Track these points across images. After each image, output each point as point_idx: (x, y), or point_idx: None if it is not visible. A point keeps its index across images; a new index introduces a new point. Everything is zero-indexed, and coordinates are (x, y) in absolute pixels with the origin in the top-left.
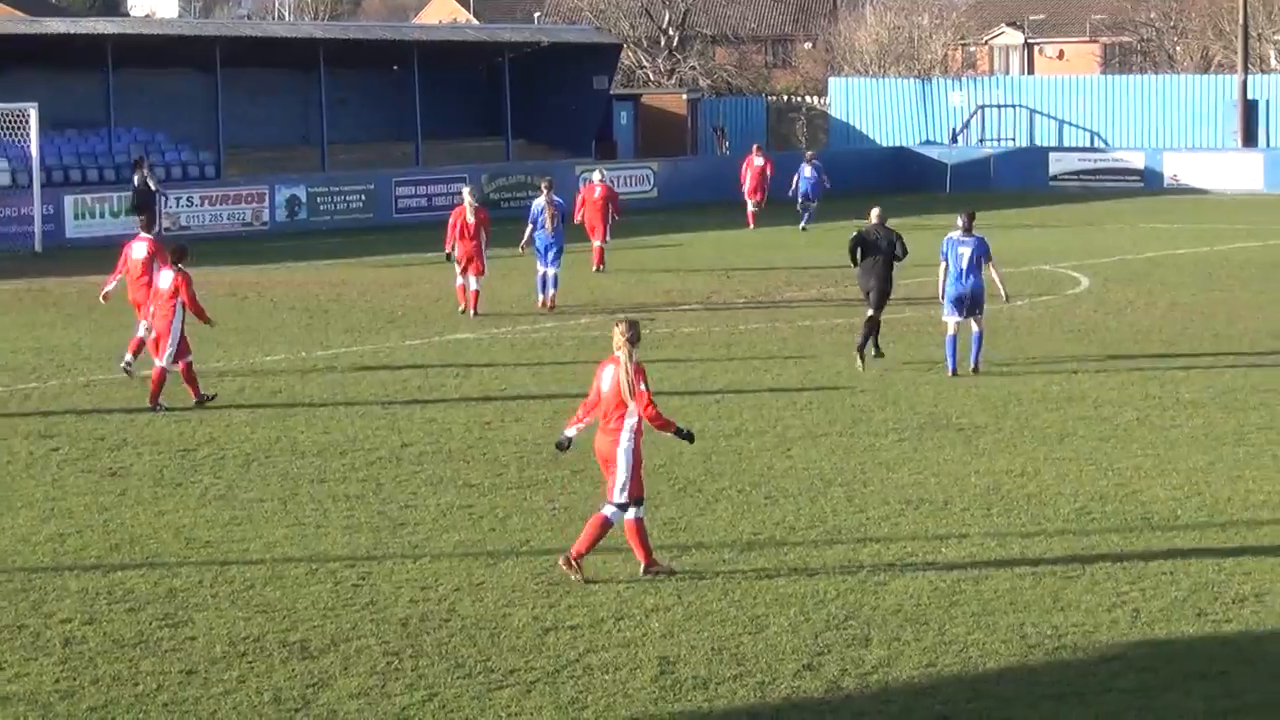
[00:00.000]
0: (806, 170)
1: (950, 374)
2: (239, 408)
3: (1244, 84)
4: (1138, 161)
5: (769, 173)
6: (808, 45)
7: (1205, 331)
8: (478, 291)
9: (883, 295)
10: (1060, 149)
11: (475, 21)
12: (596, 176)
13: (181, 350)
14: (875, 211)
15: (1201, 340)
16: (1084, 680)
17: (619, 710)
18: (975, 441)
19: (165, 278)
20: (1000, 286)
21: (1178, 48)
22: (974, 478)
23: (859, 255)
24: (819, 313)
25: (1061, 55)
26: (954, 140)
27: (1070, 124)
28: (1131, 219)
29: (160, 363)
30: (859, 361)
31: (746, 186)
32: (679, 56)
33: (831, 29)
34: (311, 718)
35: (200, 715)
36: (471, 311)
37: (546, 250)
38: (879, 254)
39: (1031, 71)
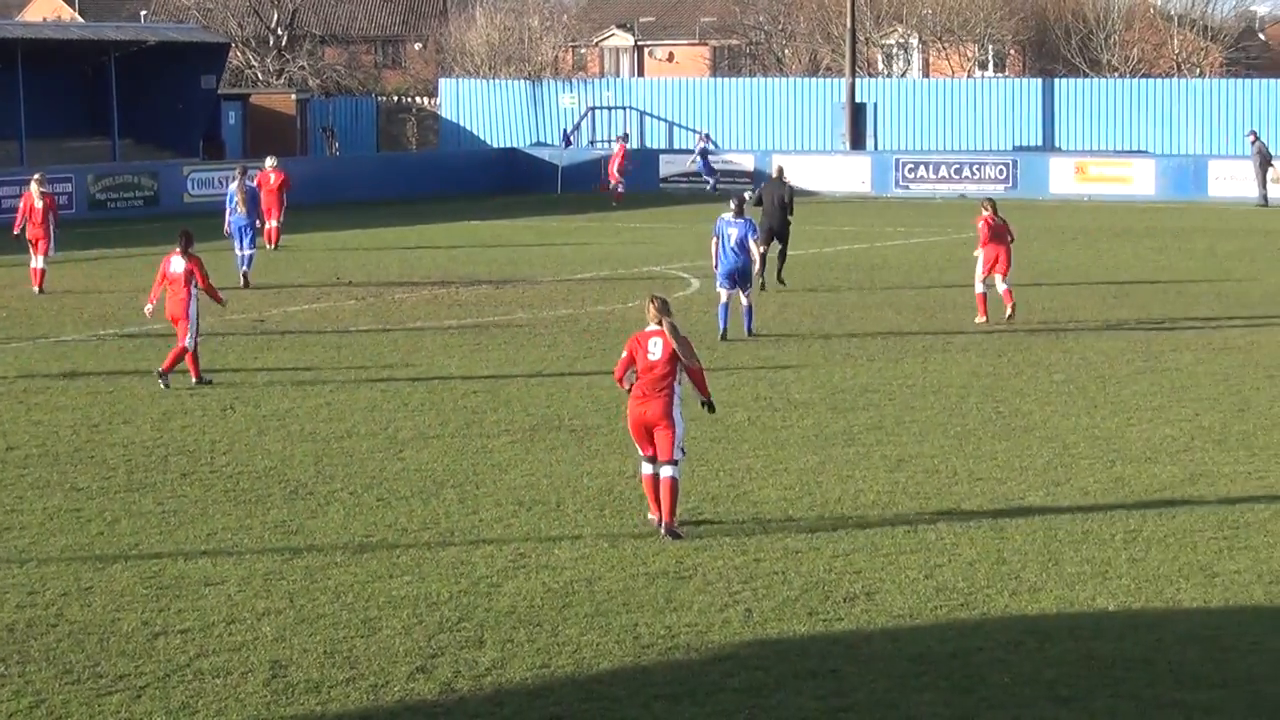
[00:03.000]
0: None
1: (721, 337)
2: None
3: (851, 87)
4: (747, 163)
5: None
6: (418, 46)
7: (814, 333)
8: (44, 270)
9: (777, 235)
10: (671, 151)
11: (80, 19)
12: (270, 163)
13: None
14: (777, 167)
15: (810, 342)
16: (697, 680)
17: (231, 715)
18: (587, 443)
19: (177, 263)
20: (757, 261)
21: (786, 51)
22: (587, 479)
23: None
24: (430, 314)
25: (671, 58)
26: (565, 142)
27: (681, 126)
28: None
29: (185, 345)
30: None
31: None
32: (288, 56)
33: (442, 30)
34: None
35: None
36: (37, 288)
37: (240, 232)
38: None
39: (642, 74)
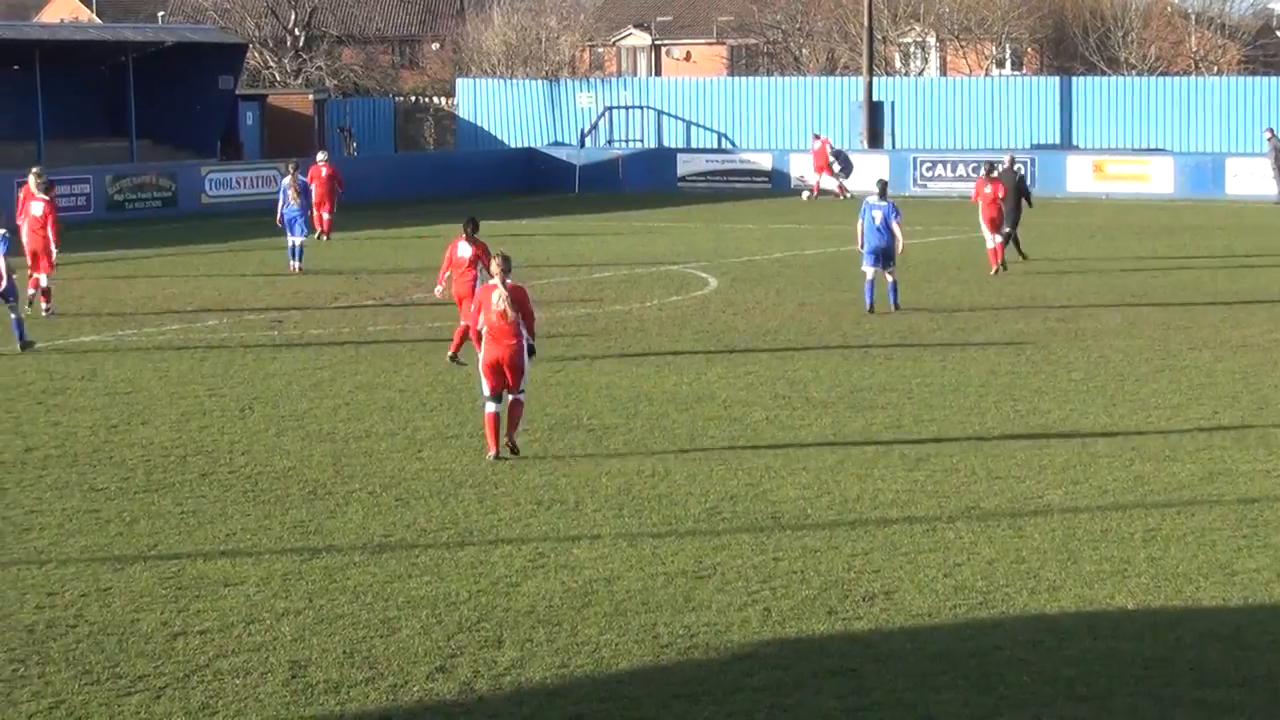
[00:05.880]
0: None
1: (867, 310)
2: None
3: (869, 86)
4: (765, 163)
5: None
6: (435, 46)
7: (833, 332)
8: (49, 288)
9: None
10: (688, 150)
11: (98, 20)
12: (320, 158)
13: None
14: (1009, 156)
15: (829, 341)
16: (716, 679)
17: (250, 715)
18: (606, 442)
19: (464, 248)
20: (900, 241)
21: (804, 50)
22: (605, 478)
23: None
24: (448, 314)
25: (689, 57)
26: (583, 142)
27: (698, 125)
28: (759, 220)
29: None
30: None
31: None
32: (305, 56)
33: (459, 30)
34: None
35: None
36: (45, 307)
37: (292, 222)
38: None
39: (659, 73)
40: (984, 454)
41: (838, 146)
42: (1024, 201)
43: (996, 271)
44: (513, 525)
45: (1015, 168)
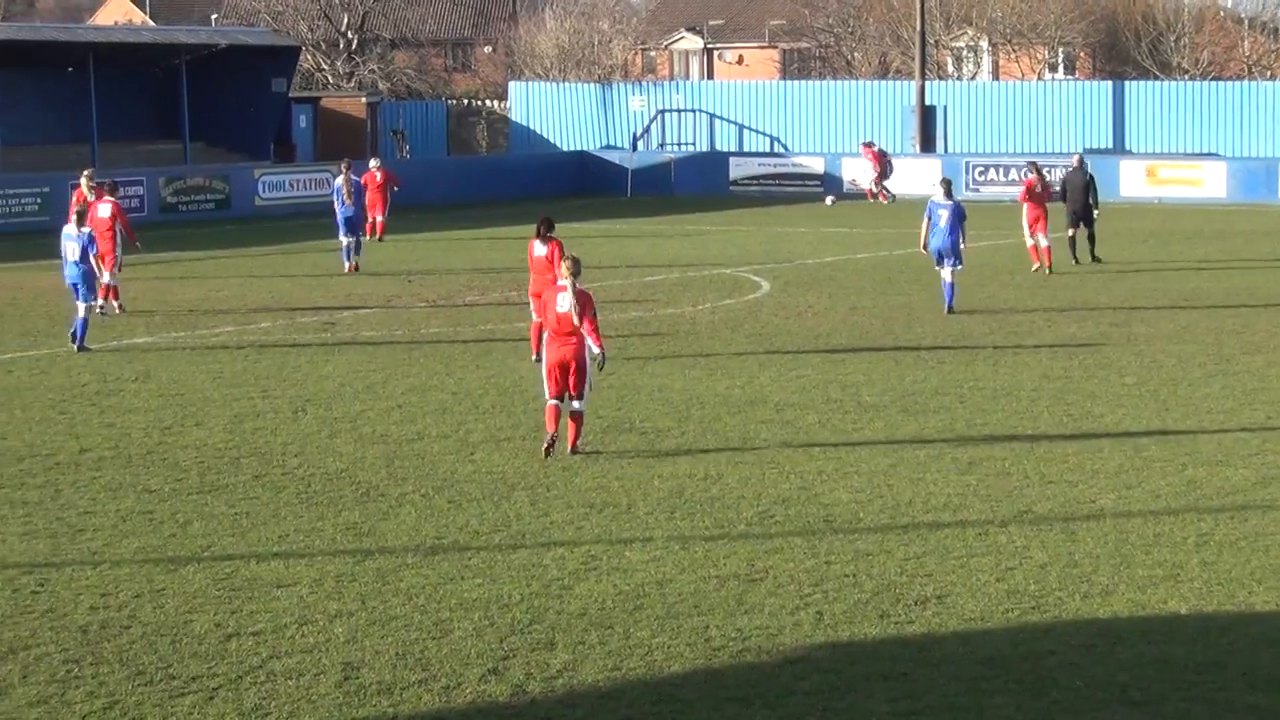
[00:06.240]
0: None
1: (947, 311)
2: None
3: (921, 90)
4: (817, 166)
5: None
6: (488, 49)
7: (885, 335)
8: (115, 286)
9: (1082, 219)
10: (740, 154)
11: (151, 23)
12: (374, 164)
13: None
14: (1078, 157)
15: (881, 344)
16: (768, 683)
17: (303, 716)
18: (658, 445)
19: (540, 247)
20: (963, 241)
21: (856, 54)
22: (657, 481)
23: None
24: (500, 316)
25: (741, 60)
26: (635, 145)
27: (750, 129)
28: (811, 223)
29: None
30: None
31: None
32: (358, 59)
33: (511, 33)
34: None
35: None
36: (115, 304)
37: (346, 222)
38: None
39: (711, 76)
40: (1036, 458)
41: (881, 150)
42: (1091, 203)
43: (1038, 270)
44: (565, 528)
45: (1085, 168)
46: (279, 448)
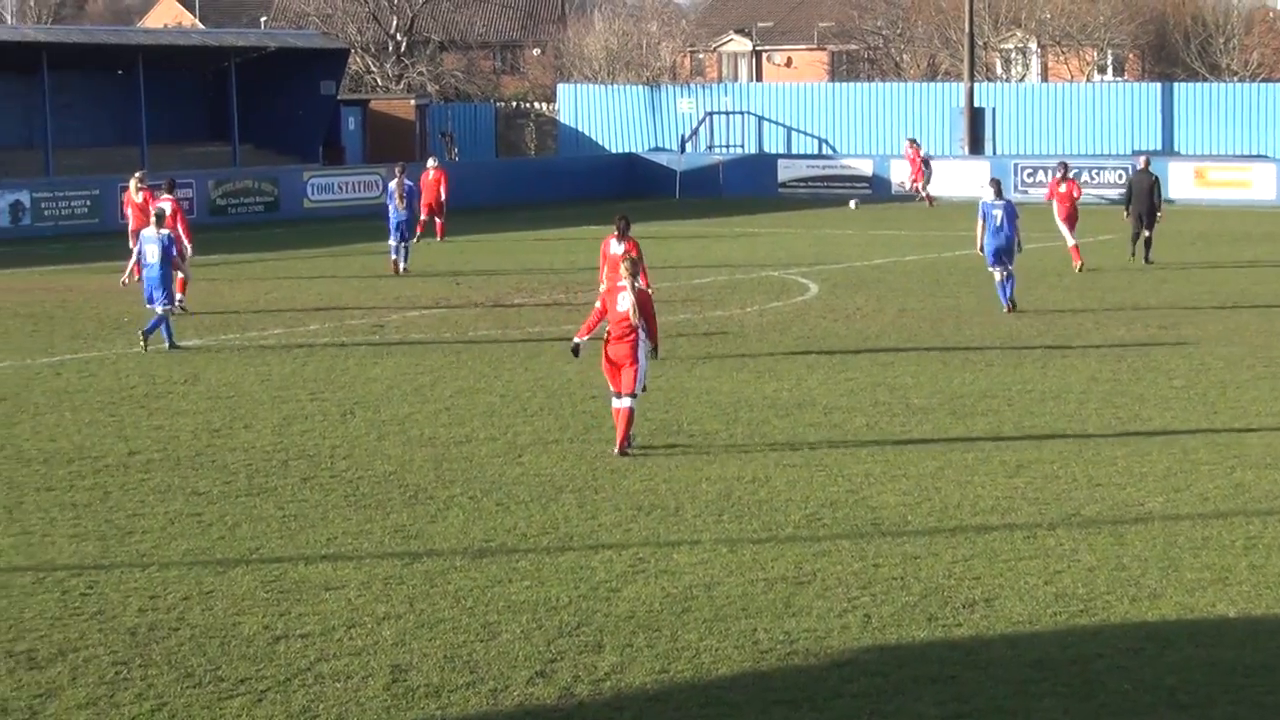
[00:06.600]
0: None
1: (1005, 310)
2: None
3: (970, 92)
4: (866, 168)
5: None
6: (536, 52)
7: (933, 338)
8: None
9: (1145, 221)
10: (789, 156)
11: (200, 26)
12: (431, 163)
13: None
14: (1144, 159)
15: (930, 346)
16: (816, 685)
17: (351, 718)
18: (706, 447)
19: (616, 246)
20: (1020, 239)
21: (905, 56)
22: (705, 484)
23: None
24: (549, 318)
25: (790, 63)
26: (683, 147)
27: (799, 131)
28: (860, 226)
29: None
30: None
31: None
32: (407, 62)
33: (560, 35)
34: None
35: None
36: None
37: (398, 225)
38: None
39: (760, 79)
40: (1085, 460)
41: (928, 153)
42: (1157, 205)
43: (1081, 268)
44: (613, 530)
45: (1149, 170)
46: (327, 450)
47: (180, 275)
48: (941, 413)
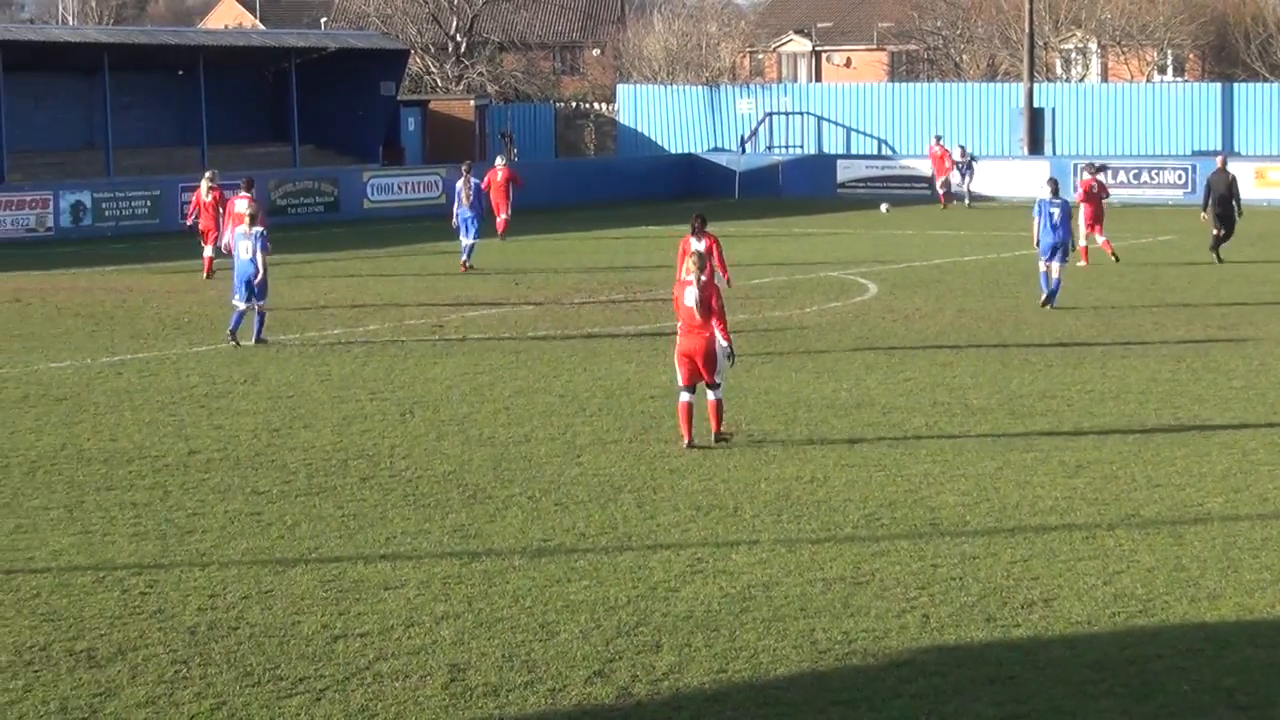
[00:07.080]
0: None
1: (1042, 303)
2: (24, 415)
3: (1030, 92)
4: (925, 169)
5: None
6: (596, 52)
7: (992, 338)
8: (212, 259)
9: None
10: (848, 156)
11: (261, 26)
12: (499, 161)
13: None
14: (1222, 159)
15: (989, 347)
16: (874, 686)
17: (409, 718)
18: (764, 448)
19: (694, 243)
20: (1074, 240)
21: (964, 56)
22: (764, 484)
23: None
24: (608, 318)
25: (849, 63)
26: (743, 147)
27: (858, 131)
28: (919, 226)
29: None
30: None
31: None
32: (467, 63)
33: (619, 36)
34: None
35: None
36: (205, 275)
37: (465, 223)
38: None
39: (819, 79)
40: (1144, 461)
41: (973, 153)
42: (1236, 206)
43: (1117, 259)
44: (671, 530)
45: (1227, 169)
46: (387, 450)
47: (209, 253)
48: (1000, 413)
